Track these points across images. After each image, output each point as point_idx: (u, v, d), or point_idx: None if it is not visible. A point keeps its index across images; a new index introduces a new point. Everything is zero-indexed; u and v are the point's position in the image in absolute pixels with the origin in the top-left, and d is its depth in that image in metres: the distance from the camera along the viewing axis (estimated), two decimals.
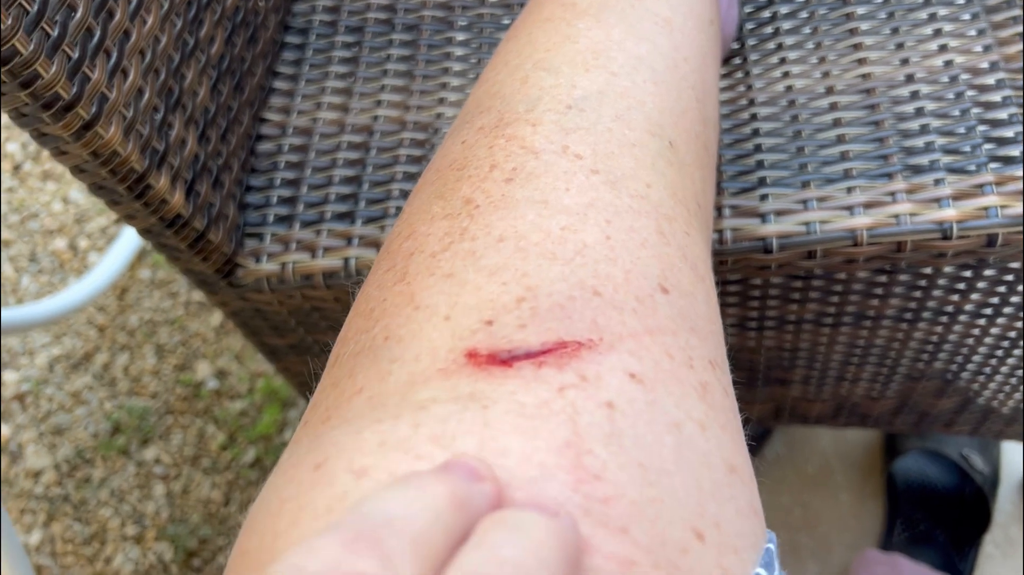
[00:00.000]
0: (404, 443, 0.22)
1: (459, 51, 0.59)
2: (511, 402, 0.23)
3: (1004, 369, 0.60)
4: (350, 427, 0.24)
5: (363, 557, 0.17)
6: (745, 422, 0.29)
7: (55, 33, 0.38)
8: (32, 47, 0.36)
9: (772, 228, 0.48)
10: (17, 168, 1.21)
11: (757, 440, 0.86)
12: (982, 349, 0.58)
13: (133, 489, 1.00)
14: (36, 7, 0.36)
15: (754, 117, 0.52)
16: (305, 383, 0.69)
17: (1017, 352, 0.58)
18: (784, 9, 0.56)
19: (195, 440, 1.02)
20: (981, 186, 0.46)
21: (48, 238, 1.16)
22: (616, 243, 0.28)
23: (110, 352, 1.08)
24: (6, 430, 1.03)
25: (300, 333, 0.59)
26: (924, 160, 0.48)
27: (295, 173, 0.55)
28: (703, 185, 0.36)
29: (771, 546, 0.24)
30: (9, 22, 0.35)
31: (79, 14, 0.39)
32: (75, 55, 0.39)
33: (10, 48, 0.35)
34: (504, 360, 0.24)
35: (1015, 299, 0.51)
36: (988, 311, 0.53)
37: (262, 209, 0.54)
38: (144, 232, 0.49)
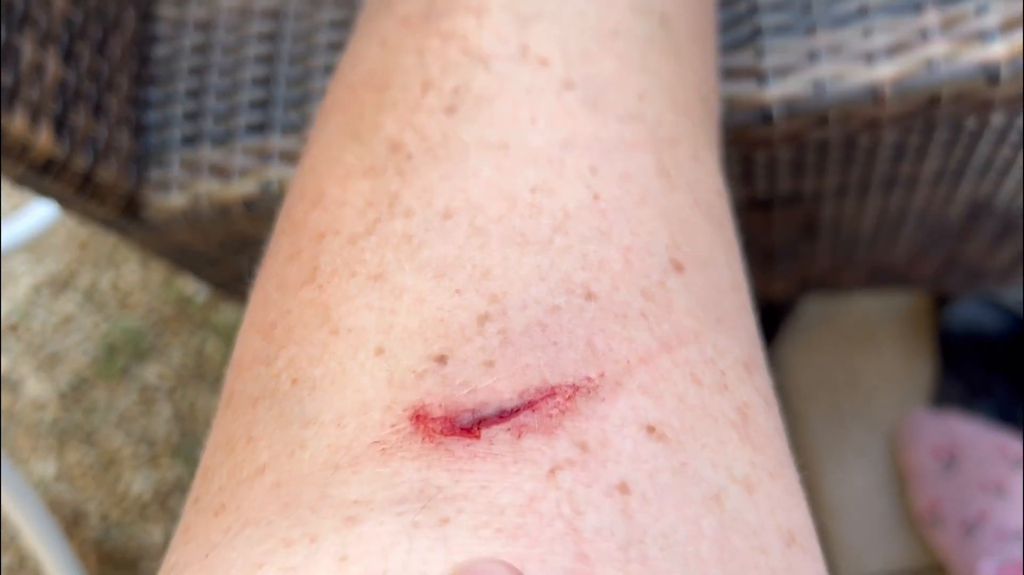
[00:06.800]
0: None
1: None
2: (482, 505, 0.16)
3: None
4: (249, 541, 0.17)
5: None
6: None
7: None
8: None
9: (774, 92, 0.38)
10: None
11: (783, 312, 0.78)
12: None
13: (140, 413, 0.96)
14: None
15: None
16: None
17: None
18: None
19: (195, 354, 0.98)
20: None
21: None
22: (607, 204, 0.20)
23: (95, 270, 1.02)
24: (5, 361, 1.00)
25: (240, 262, 0.52)
26: None
27: (198, 80, 0.46)
28: (704, 64, 0.26)
29: None
30: None
31: None
32: None
33: None
34: (466, 428, 0.17)
35: None
36: None
37: (164, 130, 0.46)
38: (19, 181, 0.41)
